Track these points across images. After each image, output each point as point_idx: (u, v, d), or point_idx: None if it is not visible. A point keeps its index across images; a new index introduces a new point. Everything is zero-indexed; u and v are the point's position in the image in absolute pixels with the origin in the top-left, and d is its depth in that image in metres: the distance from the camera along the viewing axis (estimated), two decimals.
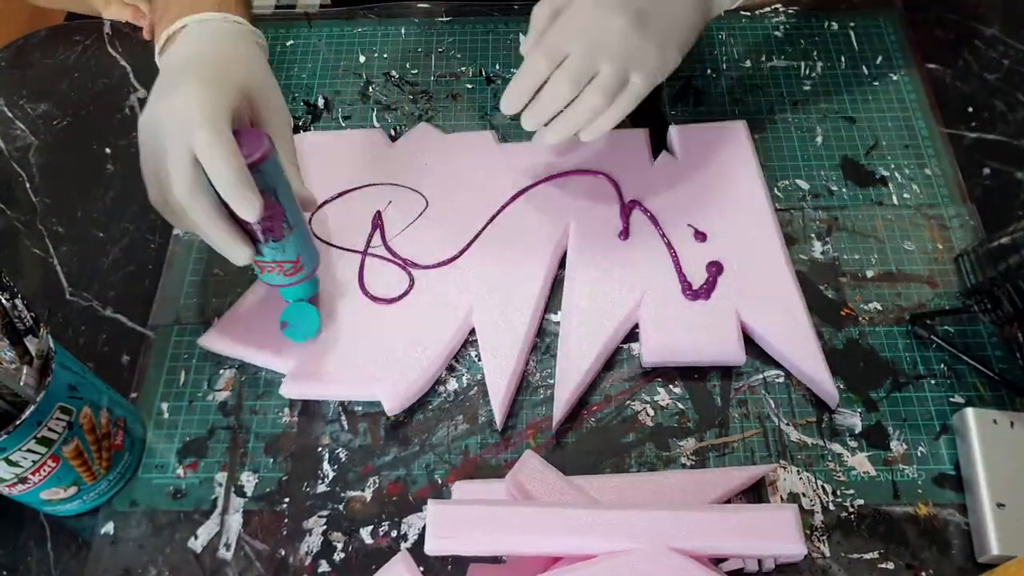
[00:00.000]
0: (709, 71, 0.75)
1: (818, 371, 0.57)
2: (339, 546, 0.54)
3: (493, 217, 0.65)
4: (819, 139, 0.70)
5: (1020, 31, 0.76)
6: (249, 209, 0.49)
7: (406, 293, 0.62)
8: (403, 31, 0.80)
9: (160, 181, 0.51)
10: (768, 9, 0.79)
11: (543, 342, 0.61)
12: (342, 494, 0.56)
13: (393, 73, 0.77)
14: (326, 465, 0.57)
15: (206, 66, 0.52)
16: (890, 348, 0.60)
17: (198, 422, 0.59)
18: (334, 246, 0.65)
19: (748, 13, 0.79)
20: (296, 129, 0.73)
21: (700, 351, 0.59)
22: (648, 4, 0.56)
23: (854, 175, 0.68)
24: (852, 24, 0.78)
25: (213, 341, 0.61)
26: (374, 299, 0.62)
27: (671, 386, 0.59)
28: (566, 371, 0.58)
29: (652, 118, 0.71)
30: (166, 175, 0.50)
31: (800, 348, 0.58)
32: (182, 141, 0.49)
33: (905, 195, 0.67)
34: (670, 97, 0.73)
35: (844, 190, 0.68)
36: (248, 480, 0.56)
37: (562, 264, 0.64)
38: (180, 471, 0.57)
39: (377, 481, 0.56)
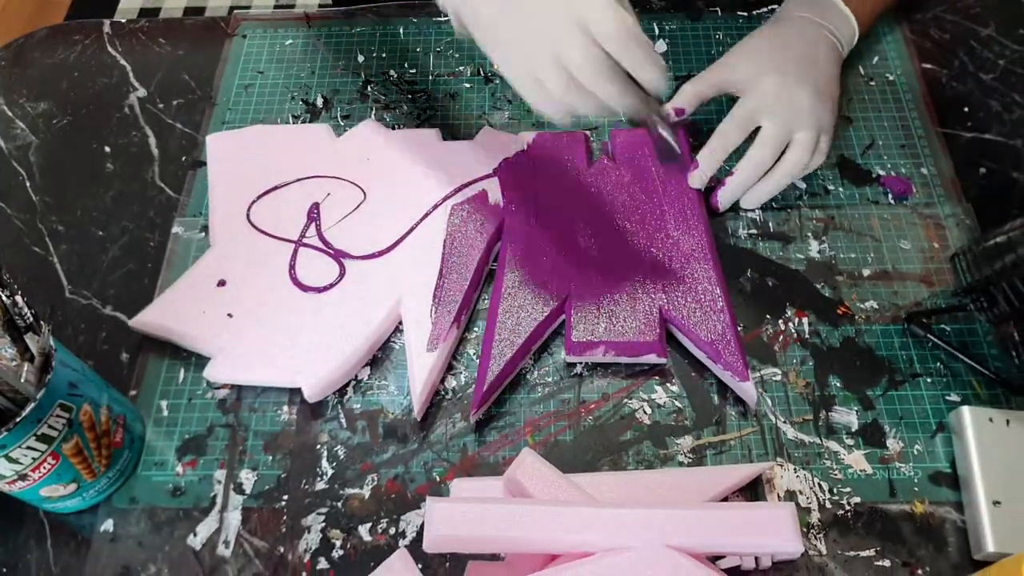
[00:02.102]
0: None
1: (736, 371, 0.57)
2: (338, 543, 0.54)
3: (428, 212, 0.66)
4: None
5: (1016, 31, 0.77)
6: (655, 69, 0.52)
7: (336, 283, 0.63)
8: (401, 30, 0.80)
9: (546, 75, 0.52)
10: (765, 9, 0.79)
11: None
12: (341, 491, 0.56)
13: (392, 72, 0.77)
14: (325, 463, 0.57)
15: None
16: (886, 346, 0.60)
17: (197, 420, 0.59)
18: (269, 235, 0.65)
19: (744, 13, 0.79)
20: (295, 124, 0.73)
21: (622, 348, 0.58)
22: (816, 73, 0.65)
23: (851, 174, 0.69)
24: None
25: (144, 323, 0.61)
26: (303, 288, 0.62)
27: (668, 384, 0.59)
28: (491, 364, 0.58)
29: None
30: (557, 64, 0.51)
31: (720, 345, 0.58)
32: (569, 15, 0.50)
33: None
34: (664, 97, 0.73)
35: (841, 189, 0.68)
36: (247, 477, 0.56)
37: (496, 258, 0.65)
38: (179, 468, 0.57)
39: (376, 479, 0.56)
